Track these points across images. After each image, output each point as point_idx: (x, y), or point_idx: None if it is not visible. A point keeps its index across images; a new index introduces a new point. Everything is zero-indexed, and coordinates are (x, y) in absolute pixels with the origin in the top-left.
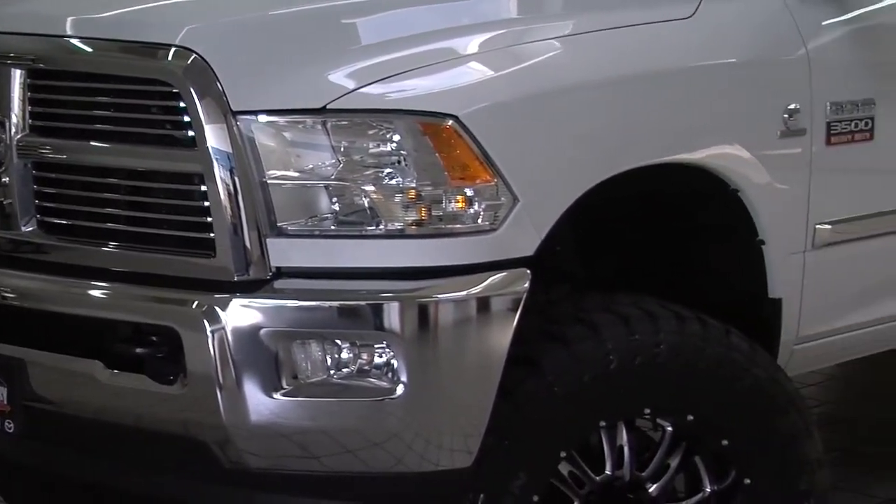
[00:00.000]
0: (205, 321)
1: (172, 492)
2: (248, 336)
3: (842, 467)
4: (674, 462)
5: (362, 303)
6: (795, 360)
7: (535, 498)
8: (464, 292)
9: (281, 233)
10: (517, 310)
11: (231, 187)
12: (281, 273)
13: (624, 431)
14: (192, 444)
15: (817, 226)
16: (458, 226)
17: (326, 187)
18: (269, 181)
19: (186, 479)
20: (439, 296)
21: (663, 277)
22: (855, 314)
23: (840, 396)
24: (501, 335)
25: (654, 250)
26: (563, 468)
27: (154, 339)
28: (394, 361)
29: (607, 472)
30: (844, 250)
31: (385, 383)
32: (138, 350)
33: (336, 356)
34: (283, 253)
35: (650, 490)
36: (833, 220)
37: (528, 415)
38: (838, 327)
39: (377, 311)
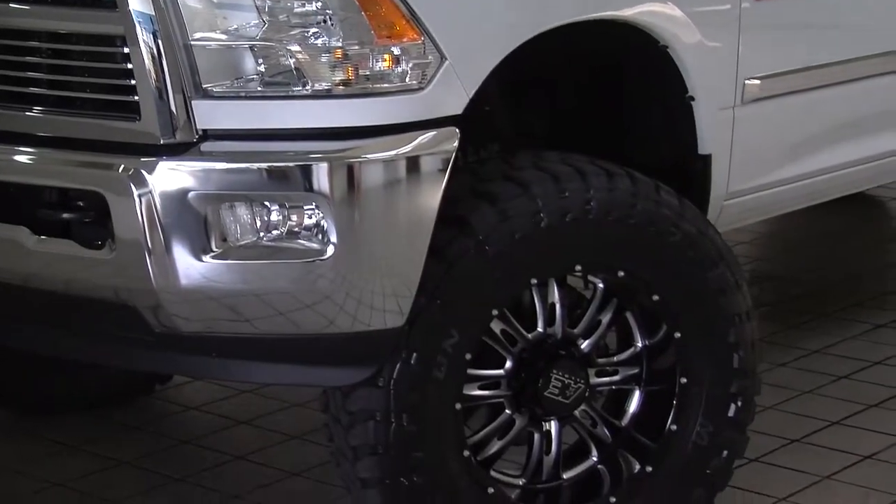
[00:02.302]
0: (131, 185)
1: (105, 357)
2: (176, 199)
3: (771, 322)
4: (605, 318)
5: (290, 164)
6: (725, 215)
7: (468, 356)
8: (392, 152)
9: (206, 95)
10: (446, 169)
11: (154, 50)
12: (207, 136)
13: (555, 289)
14: (122, 310)
15: (746, 81)
16: (386, 85)
17: (251, 48)
18: (192, 43)
19: (118, 345)
20: (368, 156)
21: (593, 137)
22: (784, 169)
23: (769, 254)
24: (431, 195)
25: (583, 110)
26: (496, 326)
27: (80, 203)
28: (323, 222)
29: (539, 329)
30: (773, 105)
31: (315, 244)
32: (65, 215)
33: (265, 218)
34: (209, 115)
35: (582, 346)
36: (762, 75)
37: (459, 274)
38: (767, 182)
39: (305, 172)
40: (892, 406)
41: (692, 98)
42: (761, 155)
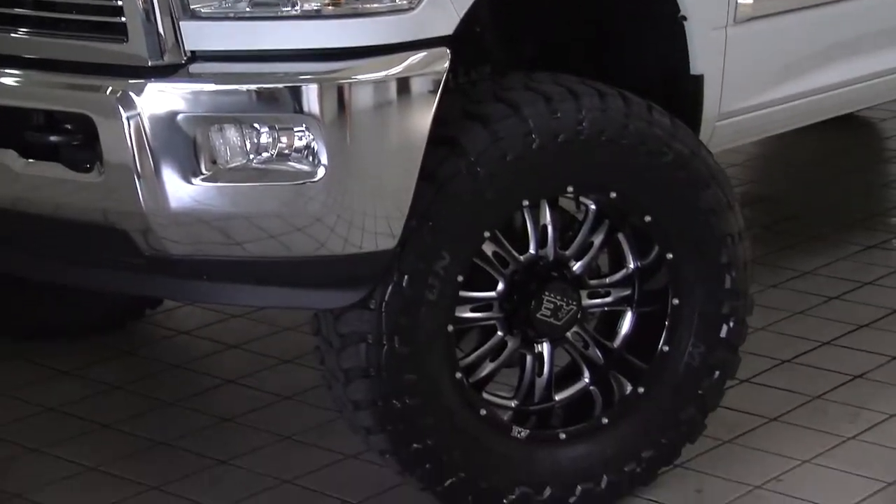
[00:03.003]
0: (119, 107)
1: (95, 282)
2: (165, 122)
3: (762, 243)
4: (597, 240)
5: (280, 85)
6: (717, 136)
7: (460, 278)
8: (383, 73)
9: (195, 15)
10: (437, 90)
11: None
12: (196, 57)
13: (547, 210)
14: (112, 233)
15: (739, 0)
16: (376, 5)
17: None
18: None
19: (108, 269)
20: (358, 76)
21: (585, 59)
22: (777, 89)
23: (760, 175)
24: (422, 116)
25: (575, 30)
26: (488, 248)
27: (69, 126)
28: (314, 144)
29: (531, 251)
30: (766, 24)
31: (305, 167)
32: (53, 138)
33: (255, 140)
34: (197, 36)
35: (574, 268)
36: None
37: (450, 195)
38: (760, 102)
39: (295, 93)
40: (882, 326)
41: (684, 18)
42: (754, 75)
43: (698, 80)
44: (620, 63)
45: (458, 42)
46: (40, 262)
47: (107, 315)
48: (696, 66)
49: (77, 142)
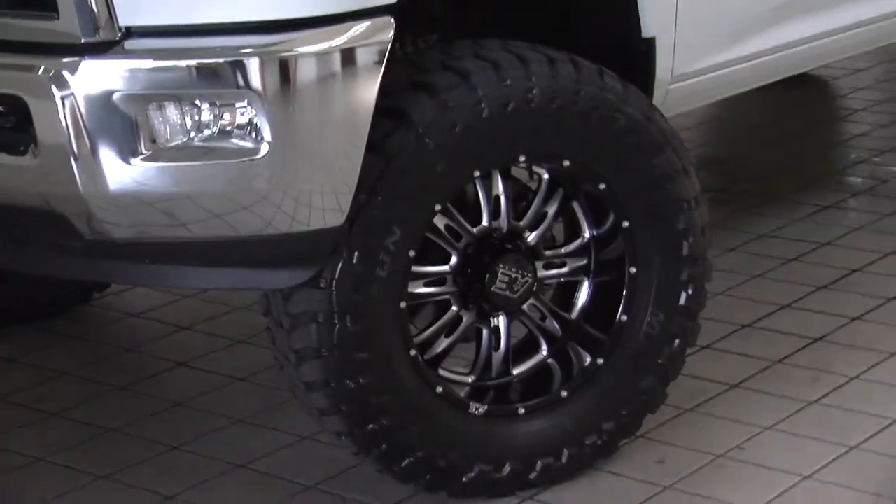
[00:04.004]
0: (52, 87)
1: (37, 267)
2: (100, 101)
3: (718, 207)
4: (551, 209)
5: (219, 60)
6: (671, 99)
7: (411, 253)
8: (325, 44)
9: None
10: (382, 60)
11: None
12: (131, 33)
13: (500, 181)
14: (51, 217)
15: None
16: None
17: None
18: None
19: (51, 254)
20: (301, 49)
21: (534, 24)
22: (730, 50)
23: (713, 138)
24: (367, 87)
25: None
26: (439, 221)
27: (1, 108)
28: (256, 120)
29: (484, 223)
30: None
31: (248, 143)
32: None
33: (195, 118)
34: (131, 11)
35: (528, 239)
36: None
37: (398, 168)
38: (714, 64)
39: (235, 68)
40: (841, 287)
41: None
42: (707, 36)
43: (650, 43)
44: (571, 27)
45: (404, 10)
46: None
47: (53, 299)
48: (648, 28)
49: (10, 124)
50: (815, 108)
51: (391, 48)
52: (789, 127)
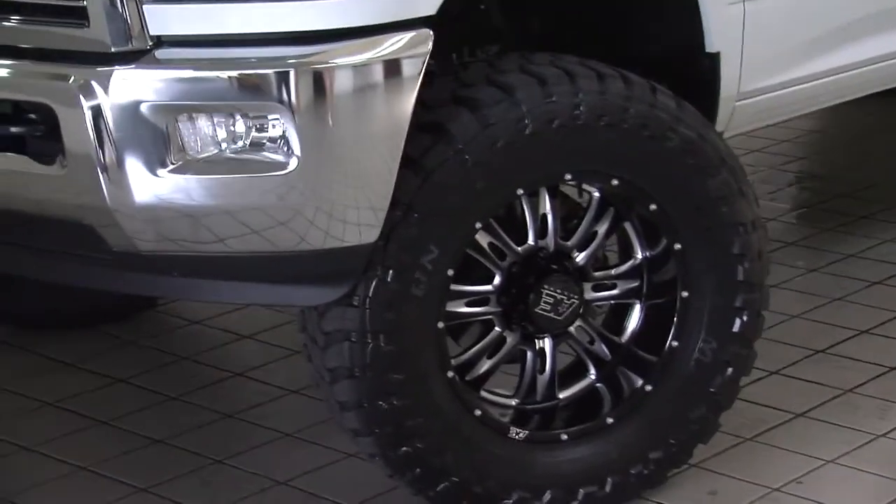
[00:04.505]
0: (80, 96)
1: (68, 277)
2: (129, 111)
3: (808, 224)
4: (601, 229)
5: (252, 71)
6: (738, 116)
7: (450, 272)
8: (361, 56)
9: None
10: (419, 74)
11: None
12: (162, 42)
13: (547, 199)
14: (79, 228)
15: None
16: None
17: None
18: None
19: (81, 264)
20: (335, 61)
21: (596, 38)
22: (800, 67)
23: (811, 152)
24: (403, 101)
25: (586, 9)
26: (483, 239)
27: (32, 116)
28: (289, 133)
29: (530, 242)
30: None
31: (280, 157)
32: (14, 129)
33: (226, 130)
34: (163, 20)
35: (577, 259)
36: None
37: (437, 185)
38: (783, 81)
39: (268, 79)
40: None
41: None
42: (776, 52)
43: (714, 58)
44: (633, 42)
45: (457, 21)
46: (14, 256)
47: (117, 304)
48: (712, 43)
49: (39, 133)
50: None
51: (430, 61)
52: (891, 143)
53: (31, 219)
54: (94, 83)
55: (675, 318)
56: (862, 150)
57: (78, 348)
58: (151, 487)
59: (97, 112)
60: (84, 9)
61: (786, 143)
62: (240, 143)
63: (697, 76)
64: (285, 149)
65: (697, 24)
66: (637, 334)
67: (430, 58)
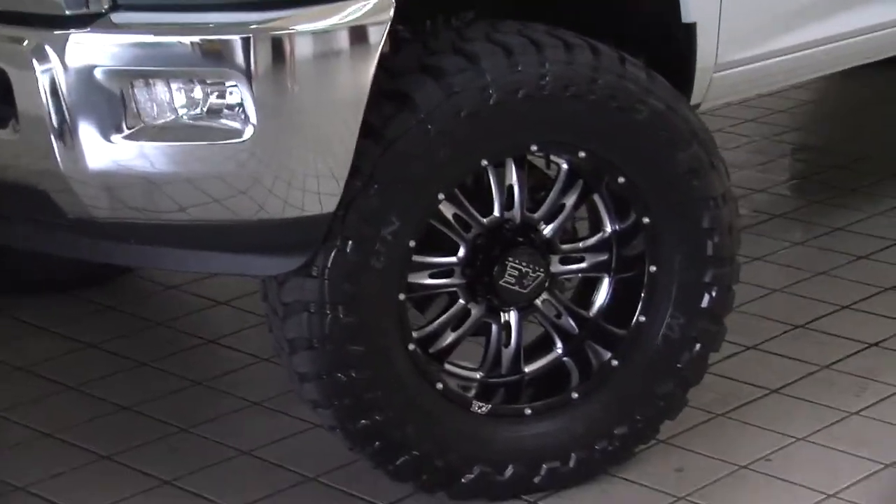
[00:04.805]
0: (33, 59)
1: (29, 242)
2: (83, 75)
3: (797, 196)
4: (569, 201)
5: (210, 37)
6: (715, 88)
7: (411, 243)
8: (321, 23)
9: None
10: (379, 42)
11: None
12: (118, 6)
13: (514, 170)
14: (35, 194)
15: None
16: None
17: None
18: None
19: (41, 229)
20: (294, 27)
21: (571, 5)
22: (780, 39)
23: (808, 122)
24: (363, 70)
25: None
26: (447, 210)
27: None
28: (246, 101)
29: (496, 213)
30: None
31: (237, 124)
32: None
33: (182, 96)
34: None
35: (544, 231)
36: None
37: (399, 154)
38: (762, 53)
39: (226, 45)
40: None
41: None
42: (755, 23)
43: (690, 29)
44: (608, 10)
45: None
46: None
47: (95, 268)
48: (688, 12)
49: None
50: None
51: (394, 29)
52: (889, 113)
53: None
54: (47, 47)
55: (642, 293)
56: (857, 122)
57: (53, 313)
58: (115, 455)
59: (51, 76)
60: None
61: (781, 114)
62: (196, 110)
63: (673, 47)
64: (242, 116)
65: None
66: (605, 309)
67: (402, 25)
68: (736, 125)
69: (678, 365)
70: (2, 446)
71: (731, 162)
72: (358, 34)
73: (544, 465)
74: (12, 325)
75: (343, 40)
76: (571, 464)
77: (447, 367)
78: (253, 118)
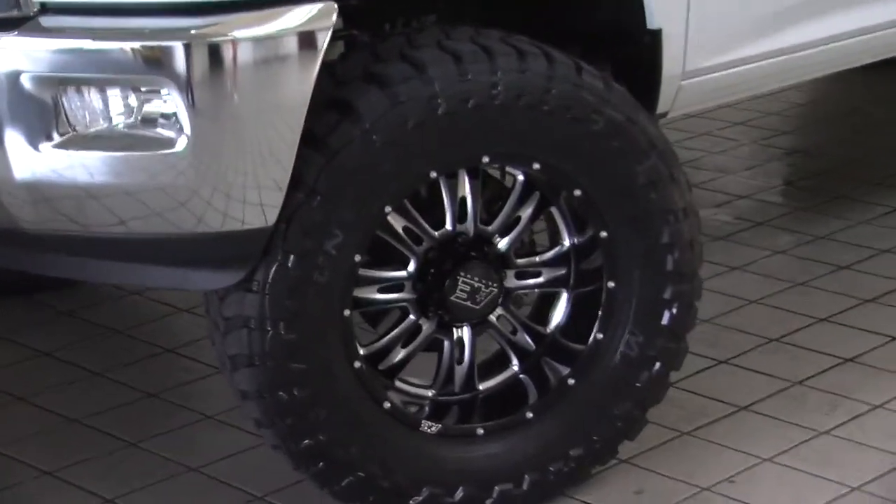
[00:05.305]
0: None
1: None
2: (10, 81)
3: (781, 203)
4: (525, 214)
5: (143, 43)
6: (683, 96)
7: (357, 257)
8: (259, 29)
9: None
10: (320, 49)
11: None
12: (47, 9)
13: (466, 181)
14: None
15: None
16: None
17: None
18: None
19: None
20: (230, 34)
21: (527, 11)
22: (750, 46)
23: (798, 125)
24: (302, 78)
25: None
26: (397, 223)
27: None
28: (181, 109)
29: (448, 227)
30: None
31: (171, 133)
32: None
33: (114, 104)
34: None
35: (498, 245)
36: None
37: (341, 166)
38: (732, 60)
39: (160, 51)
40: (888, 301)
41: None
42: (724, 30)
43: (656, 35)
44: (572, 16)
45: None
46: None
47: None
48: (653, 18)
49: None
50: None
51: (349, 35)
52: (883, 117)
53: None
54: None
55: (600, 310)
56: (849, 126)
57: (10, 318)
58: (57, 471)
59: None
60: None
61: (773, 116)
62: (129, 119)
63: (639, 54)
64: (178, 126)
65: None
66: (563, 325)
67: (359, 29)
68: (724, 128)
69: (637, 384)
70: None
71: (716, 167)
72: (299, 41)
73: (496, 487)
74: None
75: (282, 47)
76: (525, 486)
77: (398, 384)
78: (188, 128)
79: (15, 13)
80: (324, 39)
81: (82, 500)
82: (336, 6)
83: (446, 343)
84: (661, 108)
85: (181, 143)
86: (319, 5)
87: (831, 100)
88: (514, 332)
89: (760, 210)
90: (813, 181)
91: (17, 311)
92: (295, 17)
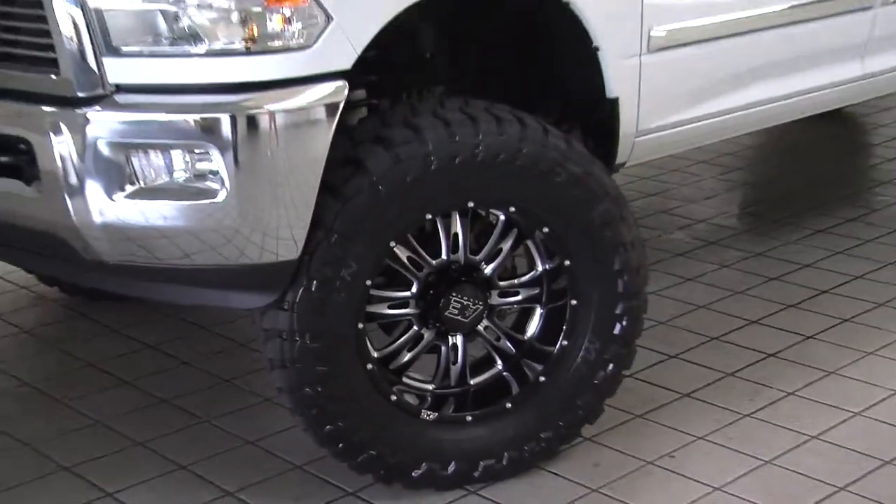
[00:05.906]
0: (51, 133)
1: (68, 276)
2: (90, 145)
3: (731, 227)
4: (506, 246)
5: (194, 115)
6: (638, 149)
7: (368, 282)
8: (284, 104)
9: (117, 53)
10: (334, 117)
11: (68, 12)
12: (121, 89)
13: (458, 220)
14: (57, 240)
15: (652, 32)
16: (277, 43)
17: (158, 11)
18: (103, 7)
19: (68, 265)
20: (263, 107)
21: (516, 81)
22: (693, 109)
23: (748, 163)
24: (319, 142)
25: (505, 56)
26: (402, 253)
27: (16, 147)
28: (223, 167)
29: (443, 256)
30: (680, 53)
31: (215, 186)
32: (4, 158)
33: (172, 163)
34: (121, 71)
35: (485, 270)
36: (668, 26)
37: (354, 211)
38: (678, 120)
39: (207, 122)
40: (807, 307)
41: (597, 48)
42: (670, 97)
43: (614, 103)
44: (553, 87)
45: (408, 67)
46: (26, 257)
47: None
48: (611, 89)
49: (21, 162)
50: (842, 140)
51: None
52: (819, 156)
53: (23, 231)
54: (62, 121)
55: (565, 322)
56: (789, 163)
57: (123, 316)
58: (147, 442)
59: (65, 145)
60: (55, 60)
61: (729, 156)
62: (181, 176)
63: (602, 117)
64: (221, 181)
65: (599, 74)
66: (537, 334)
67: (379, 98)
68: (690, 165)
69: (595, 381)
70: (63, 430)
71: (683, 196)
72: (318, 112)
73: (481, 463)
74: (92, 326)
75: (305, 117)
76: (504, 462)
77: (405, 380)
78: (232, 181)
79: (99, 92)
80: (337, 110)
81: (162, 466)
82: (346, 85)
83: (443, 348)
84: (619, 160)
85: (227, 193)
86: (335, 84)
87: (775, 143)
88: (498, 339)
89: (714, 232)
90: (758, 207)
91: (134, 311)
92: (315, 94)
